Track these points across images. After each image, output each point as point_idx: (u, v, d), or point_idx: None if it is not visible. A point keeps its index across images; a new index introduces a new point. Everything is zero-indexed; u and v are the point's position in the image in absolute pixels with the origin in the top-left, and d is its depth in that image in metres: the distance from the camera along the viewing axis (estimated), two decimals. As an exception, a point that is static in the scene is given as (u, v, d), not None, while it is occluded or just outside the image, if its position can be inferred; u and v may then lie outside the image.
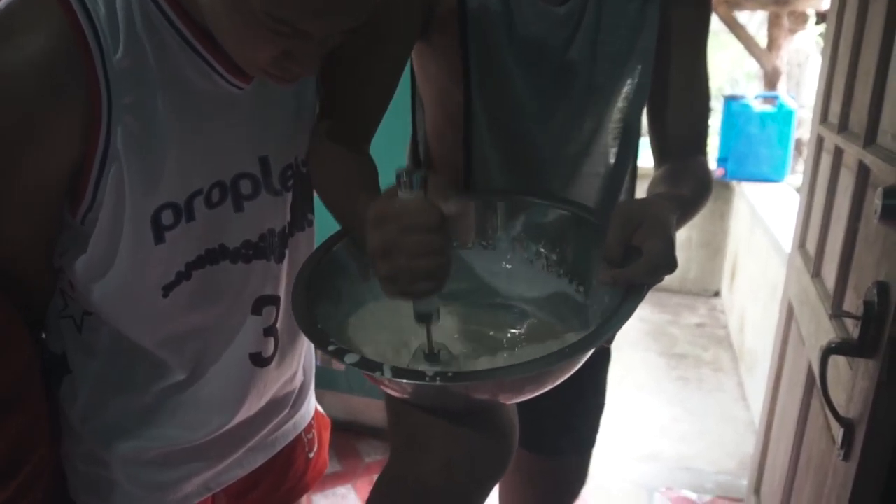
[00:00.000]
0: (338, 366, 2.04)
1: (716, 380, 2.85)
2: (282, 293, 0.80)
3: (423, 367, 0.63)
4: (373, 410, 2.16)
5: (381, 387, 0.63)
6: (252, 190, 0.72)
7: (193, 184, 0.67)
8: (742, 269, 3.19)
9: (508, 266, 0.77)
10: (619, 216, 0.64)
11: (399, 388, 0.64)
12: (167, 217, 0.65)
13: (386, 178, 0.69)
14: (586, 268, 0.72)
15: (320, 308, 0.67)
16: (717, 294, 3.78)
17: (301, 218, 0.81)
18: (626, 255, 0.62)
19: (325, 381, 1.70)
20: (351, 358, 0.57)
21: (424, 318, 0.60)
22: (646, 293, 0.62)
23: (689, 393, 2.73)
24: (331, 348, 0.58)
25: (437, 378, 0.54)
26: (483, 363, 0.67)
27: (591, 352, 0.58)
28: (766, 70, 3.99)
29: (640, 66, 0.78)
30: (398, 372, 0.56)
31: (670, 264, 0.61)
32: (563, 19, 0.75)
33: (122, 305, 0.69)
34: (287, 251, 0.79)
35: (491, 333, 0.72)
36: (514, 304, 0.76)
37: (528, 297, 0.76)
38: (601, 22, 0.76)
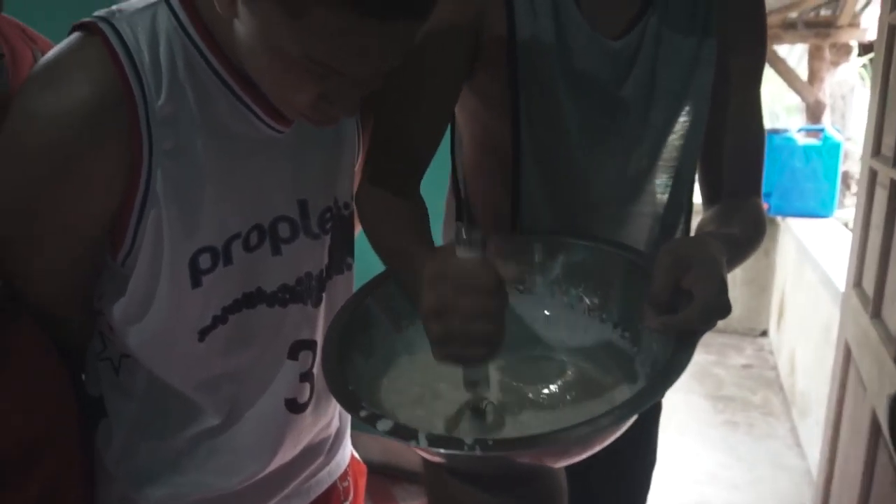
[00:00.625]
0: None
1: (766, 425, 2.72)
2: (318, 338, 0.78)
3: (466, 426, 0.60)
4: (410, 454, 2.10)
5: (417, 452, 0.60)
6: (290, 233, 0.72)
7: (231, 227, 0.66)
8: (790, 308, 3.07)
9: (547, 312, 0.73)
10: (666, 257, 0.60)
11: (437, 456, 0.61)
12: (205, 261, 0.65)
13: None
14: (632, 313, 0.68)
15: (352, 362, 0.65)
16: (764, 333, 3.65)
17: (339, 261, 0.80)
18: (673, 300, 0.59)
19: (362, 424, 1.66)
20: (384, 425, 0.55)
21: (473, 386, 0.59)
22: (698, 341, 0.58)
23: (737, 438, 2.61)
24: (363, 414, 0.56)
25: (477, 447, 0.51)
26: (526, 419, 0.63)
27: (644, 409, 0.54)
28: (809, 103, 3.91)
29: (695, 104, 0.75)
30: (435, 440, 0.53)
31: (724, 309, 0.57)
32: (619, 53, 0.73)
33: (158, 349, 0.68)
34: (324, 295, 0.78)
35: (532, 387, 0.68)
36: (554, 353, 0.72)
37: (570, 346, 0.72)
38: (658, 58, 0.74)
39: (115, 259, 0.64)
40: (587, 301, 0.72)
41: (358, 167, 0.81)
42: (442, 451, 0.54)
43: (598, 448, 0.58)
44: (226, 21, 0.57)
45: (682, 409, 2.81)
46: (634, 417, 0.55)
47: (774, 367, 3.25)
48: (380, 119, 0.76)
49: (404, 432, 0.54)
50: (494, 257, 0.52)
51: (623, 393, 0.64)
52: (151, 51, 0.58)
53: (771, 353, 3.43)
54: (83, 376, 0.77)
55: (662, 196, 0.79)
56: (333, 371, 0.63)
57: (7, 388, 0.67)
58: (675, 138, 0.77)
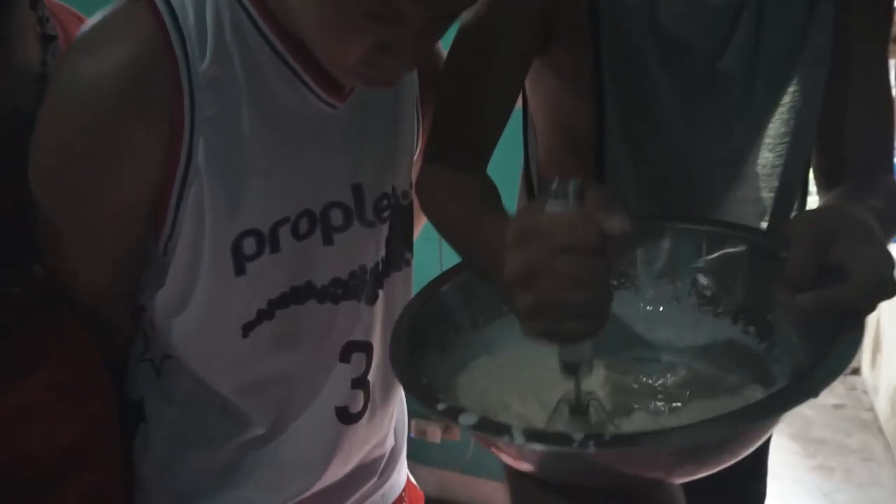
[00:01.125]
0: (433, 437, 1.91)
1: (868, 472, 2.44)
2: (375, 340, 0.71)
3: (564, 426, 0.50)
4: (469, 488, 1.99)
5: (504, 458, 0.50)
6: (343, 221, 0.65)
7: (279, 211, 0.60)
8: (888, 344, 2.80)
9: (649, 308, 0.63)
10: (805, 228, 0.50)
11: (531, 460, 0.49)
12: (249, 245, 0.59)
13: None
14: (757, 303, 0.57)
15: (424, 358, 0.56)
16: (856, 371, 3.34)
17: (398, 256, 0.73)
18: (819, 281, 0.48)
19: (418, 454, 1.58)
20: (468, 419, 0.44)
21: (572, 370, 0.48)
22: (865, 320, 0.47)
23: (834, 485, 2.35)
24: (440, 407, 0.46)
25: (591, 443, 0.39)
26: (640, 422, 0.52)
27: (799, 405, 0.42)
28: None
29: (808, 72, 0.65)
30: (534, 436, 0.42)
31: (890, 285, 0.46)
32: (719, 13, 0.63)
33: (200, 345, 0.62)
34: (381, 292, 0.71)
35: (638, 386, 0.58)
36: (660, 354, 0.61)
37: (679, 346, 0.61)
38: (763, 18, 0.64)
39: (157, 245, 0.59)
40: (698, 293, 0.61)
41: (417, 156, 0.75)
42: (543, 448, 0.42)
43: (737, 456, 0.46)
44: None
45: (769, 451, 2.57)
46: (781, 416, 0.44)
47: (871, 409, 2.95)
48: (443, 96, 0.69)
49: (494, 427, 0.44)
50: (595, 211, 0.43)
51: (756, 394, 0.53)
52: (197, 10, 0.54)
53: (865, 392, 3.13)
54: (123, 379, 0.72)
55: (770, 178, 0.68)
56: (403, 361, 0.54)
57: (44, 384, 0.62)
58: (783, 111, 0.66)
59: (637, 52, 0.64)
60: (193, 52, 0.53)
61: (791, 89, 0.65)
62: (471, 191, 0.64)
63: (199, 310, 0.60)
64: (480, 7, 0.64)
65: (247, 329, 0.62)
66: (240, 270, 0.59)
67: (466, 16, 0.66)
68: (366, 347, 0.70)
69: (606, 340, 0.48)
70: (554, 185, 0.42)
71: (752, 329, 0.58)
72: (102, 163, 0.54)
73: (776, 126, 0.66)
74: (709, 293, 0.60)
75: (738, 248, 0.60)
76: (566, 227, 0.42)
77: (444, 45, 0.70)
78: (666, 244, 0.62)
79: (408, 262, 0.74)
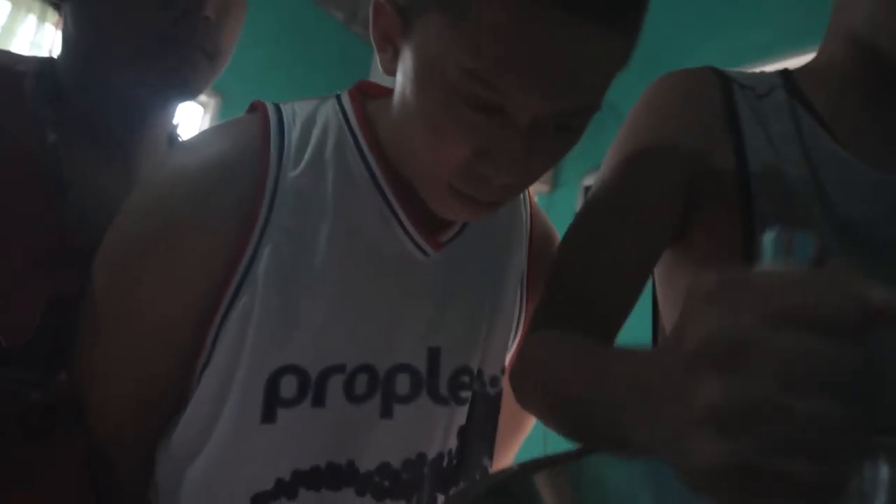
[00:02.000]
0: None
1: None
2: None
3: None
4: None
5: None
6: (410, 390, 0.53)
7: (334, 354, 0.50)
8: None
9: None
10: None
11: None
12: (288, 386, 0.48)
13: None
14: None
15: None
16: None
17: (473, 459, 0.56)
18: None
19: None
20: None
21: None
22: None
23: None
24: None
25: None
26: None
27: None
28: None
29: None
30: None
31: None
32: None
33: None
34: (440, 499, 0.53)
35: None
36: None
37: None
38: None
39: (193, 370, 0.49)
40: None
41: (515, 347, 0.63)
42: None
43: None
44: (388, 116, 0.50)
45: None
46: None
47: None
48: (564, 261, 0.57)
49: None
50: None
51: None
52: (306, 124, 0.53)
53: None
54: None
55: None
56: None
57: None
58: None
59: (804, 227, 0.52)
60: (289, 160, 0.50)
61: None
62: (599, 349, 0.45)
63: (212, 462, 0.47)
64: (615, 164, 0.57)
65: (256, 501, 0.47)
66: (269, 416, 0.47)
67: (598, 178, 0.59)
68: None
69: None
70: (775, 236, 0.27)
71: None
72: (165, 255, 0.48)
73: None
74: None
75: None
76: (804, 285, 0.25)
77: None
78: (883, 472, 0.40)
79: (484, 471, 0.57)
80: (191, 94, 0.63)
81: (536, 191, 2.28)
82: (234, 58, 0.65)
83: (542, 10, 0.38)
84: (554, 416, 0.46)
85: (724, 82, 0.59)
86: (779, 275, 0.25)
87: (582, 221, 0.57)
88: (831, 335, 0.23)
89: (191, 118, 2.59)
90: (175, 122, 0.70)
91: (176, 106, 0.67)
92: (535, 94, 0.41)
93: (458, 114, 0.43)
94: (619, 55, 0.43)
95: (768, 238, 0.27)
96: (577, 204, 2.13)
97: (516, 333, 0.63)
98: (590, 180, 2.10)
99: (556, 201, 2.24)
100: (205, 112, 2.56)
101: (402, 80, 0.47)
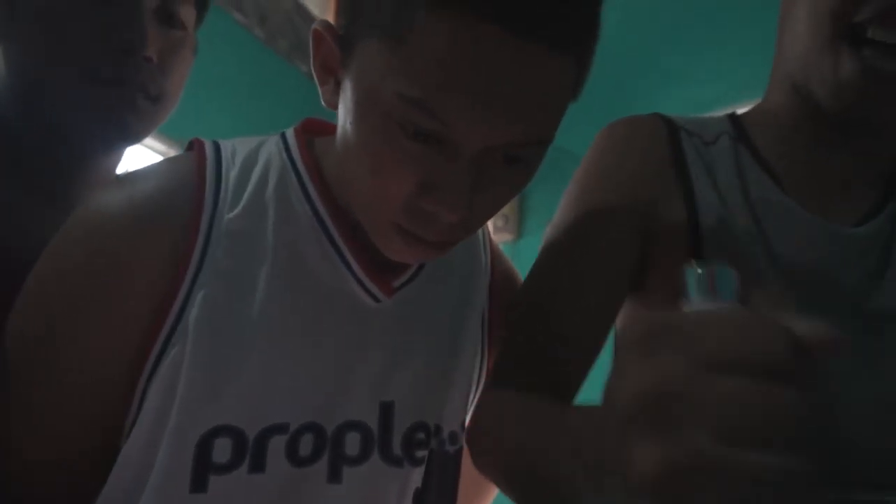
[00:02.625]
0: None
1: None
2: None
3: None
4: None
5: None
6: (360, 450, 0.48)
7: (276, 413, 0.45)
8: None
9: None
10: None
11: None
12: (221, 450, 0.43)
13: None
14: None
15: None
16: None
17: (429, 527, 0.52)
18: None
19: None
20: None
21: None
22: None
23: None
24: None
25: None
26: None
27: None
28: None
29: None
30: None
31: None
32: (861, 244, 0.52)
33: None
34: (395, 573, 0.48)
35: None
36: None
37: None
38: None
39: (120, 434, 0.44)
40: None
41: (477, 398, 0.59)
42: None
43: None
44: (334, 153, 0.48)
45: None
46: None
47: None
48: (519, 318, 0.54)
49: None
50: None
51: None
52: (244, 165, 0.50)
53: None
54: None
55: None
56: None
57: None
58: None
59: (757, 286, 0.50)
60: (226, 200, 0.47)
61: None
62: (553, 411, 0.42)
63: None
64: (568, 215, 0.55)
65: (184, 583, 0.42)
66: (198, 484, 0.42)
67: (552, 228, 0.57)
68: None
69: None
70: (700, 272, 0.25)
71: None
72: (84, 300, 0.43)
73: None
74: None
75: None
76: (732, 327, 0.23)
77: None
78: None
79: None
80: (133, 138, 0.60)
81: (501, 240, 2.27)
82: (200, 111, 0.62)
83: (487, 32, 0.36)
84: (509, 484, 0.43)
85: (672, 130, 0.59)
86: (704, 318, 0.23)
87: (537, 274, 0.55)
88: (766, 378, 0.21)
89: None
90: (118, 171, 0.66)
91: (121, 150, 0.64)
92: (481, 123, 0.38)
93: (399, 145, 0.40)
94: (570, 83, 0.41)
95: (689, 276, 0.25)
96: (542, 252, 2.13)
97: (478, 384, 0.59)
98: (554, 229, 2.10)
99: (520, 250, 2.23)
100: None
101: (343, 113, 0.44)
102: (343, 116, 0.44)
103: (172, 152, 2.47)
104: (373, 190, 0.43)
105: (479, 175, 0.41)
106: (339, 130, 0.45)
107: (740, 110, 0.63)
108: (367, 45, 0.40)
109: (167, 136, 2.06)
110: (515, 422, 0.44)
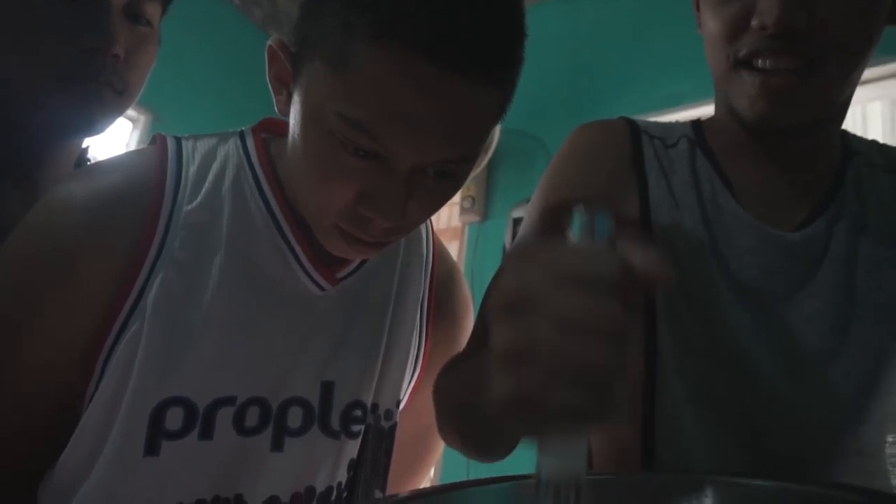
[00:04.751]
0: None
1: None
2: None
3: None
4: None
5: None
6: (301, 423, 0.54)
7: (225, 386, 0.50)
8: None
9: None
10: None
11: None
12: (174, 418, 0.48)
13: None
14: None
15: None
16: None
17: (363, 493, 0.58)
18: None
19: None
20: None
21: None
22: None
23: None
24: None
25: None
26: None
27: None
28: None
29: None
30: None
31: None
32: (797, 249, 0.56)
33: None
34: (328, 531, 0.54)
35: None
36: None
37: None
38: (858, 254, 0.56)
39: (83, 401, 0.49)
40: None
41: (414, 385, 0.65)
42: None
43: None
44: (286, 154, 0.52)
45: None
46: None
47: None
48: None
49: None
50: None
51: None
52: (203, 162, 0.54)
53: None
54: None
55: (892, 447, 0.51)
56: None
57: None
58: None
59: (703, 286, 0.55)
60: (185, 194, 0.51)
61: None
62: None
63: (95, 495, 0.47)
64: (533, 215, 0.60)
65: (138, 538, 0.47)
66: (151, 449, 0.47)
67: (521, 227, 0.61)
68: None
69: None
70: (581, 217, 0.31)
71: None
72: (51, 279, 0.48)
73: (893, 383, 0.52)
74: None
75: None
76: (578, 253, 0.29)
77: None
78: None
79: None
80: (97, 129, 0.62)
81: (468, 220, 2.32)
82: (166, 74, 0.65)
83: (420, 66, 0.40)
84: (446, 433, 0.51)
85: (635, 132, 0.63)
86: (566, 248, 0.30)
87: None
88: (597, 289, 0.28)
89: (118, 134, 2.52)
90: (84, 145, 0.69)
91: (83, 138, 0.66)
92: (414, 146, 0.43)
93: (340, 160, 0.45)
94: (495, 108, 0.46)
95: (576, 219, 0.31)
96: (506, 234, 2.19)
97: (415, 368, 0.65)
98: (518, 212, 2.16)
99: (486, 231, 2.29)
100: (133, 129, 2.49)
101: (292, 124, 0.49)
102: (292, 127, 0.49)
103: (142, 118, 2.45)
104: (317, 196, 0.48)
105: (411, 187, 0.46)
106: (289, 139, 0.50)
107: (704, 107, 0.67)
108: (314, 66, 0.45)
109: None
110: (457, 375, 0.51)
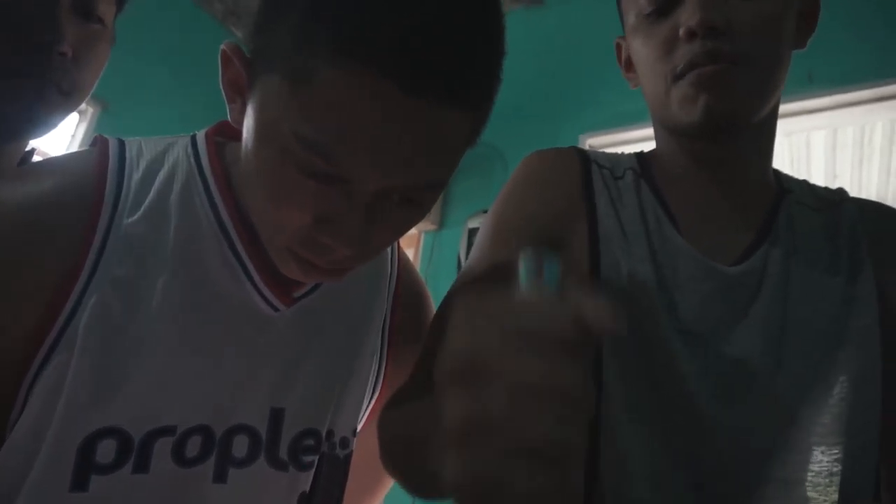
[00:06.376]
0: None
1: None
2: None
3: None
4: None
5: None
6: (247, 453, 0.51)
7: (162, 415, 0.47)
8: None
9: None
10: None
11: None
12: (105, 451, 0.44)
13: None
14: None
15: None
16: None
17: (312, 523, 0.55)
18: None
19: None
20: None
21: None
22: None
23: None
24: None
25: None
26: None
27: None
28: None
29: (856, 356, 0.55)
30: None
31: None
32: (735, 282, 0.57)
33: None
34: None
35: None
36: None
37: None
38: (790, 288, 0.57)
39: (7, 428, 0.45)
40: None
41: (372, 408, 0.62)
42: None
43: None
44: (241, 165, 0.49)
45: None
46: None
47: None
48: (431, 340, 0.57)
49: None
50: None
51: None
52: (149, 168, 0.50)
53: None
54: None
55: (829, 489, 0.52)
56: None
57: None
58: (831, 404, 0.53)
59: (647, 318, 0.55)
60: (126, 204, 0.48)
61: (838, 378, 0.54)
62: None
63: None
64: (484, 241, 0.59)
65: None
66: (79, 484, 0.44)
67: (472, 253, 0.60)
68: None
69: None
70: (529, 261, 0.30)
71: None
72: None
73: (826, 422, 0.53)
74: None
75: None
76: (529, 308, 0.27)
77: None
78: None
79: None
80: (42, 129, 0.59)
81: (424, 229, 2.30)
82: (119, 67, 0.62)
83: (384, 87, 0.38)
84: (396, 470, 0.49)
85: (585, 162, 0.64)
86: (519, 301, 0.28)
87: (451, 299, 0.57)
88: (551, 352, 0.26)
89: (63, 126, 2.40)
90: (29, 147, 0.65)
91: (26, 140, 0.62)
92: (377, 171, 0.41)
93: (295, 180, 0.42)
94: (465, 132, 0.43)
95: (522, 264, 0.30)
96: (461, 244, 2.18)
97: (374, 392, 0.62)
98: (474, 223, 2.15)
99: (441, 240, 2.28)
100: (80, 121, 2.38)
101: (245, 137, 0.46)
102: (245, 140, 0.45)
103: (90, 110, 2.34)
104: (272, 216, 0.45)
105: (373, 213, 0.43)
106: (243, 151, 0.46)
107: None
108: (270, 79, 0.41)
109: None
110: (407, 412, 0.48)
